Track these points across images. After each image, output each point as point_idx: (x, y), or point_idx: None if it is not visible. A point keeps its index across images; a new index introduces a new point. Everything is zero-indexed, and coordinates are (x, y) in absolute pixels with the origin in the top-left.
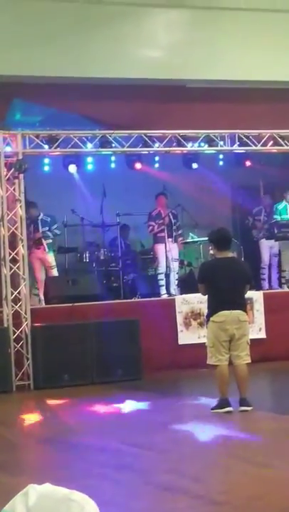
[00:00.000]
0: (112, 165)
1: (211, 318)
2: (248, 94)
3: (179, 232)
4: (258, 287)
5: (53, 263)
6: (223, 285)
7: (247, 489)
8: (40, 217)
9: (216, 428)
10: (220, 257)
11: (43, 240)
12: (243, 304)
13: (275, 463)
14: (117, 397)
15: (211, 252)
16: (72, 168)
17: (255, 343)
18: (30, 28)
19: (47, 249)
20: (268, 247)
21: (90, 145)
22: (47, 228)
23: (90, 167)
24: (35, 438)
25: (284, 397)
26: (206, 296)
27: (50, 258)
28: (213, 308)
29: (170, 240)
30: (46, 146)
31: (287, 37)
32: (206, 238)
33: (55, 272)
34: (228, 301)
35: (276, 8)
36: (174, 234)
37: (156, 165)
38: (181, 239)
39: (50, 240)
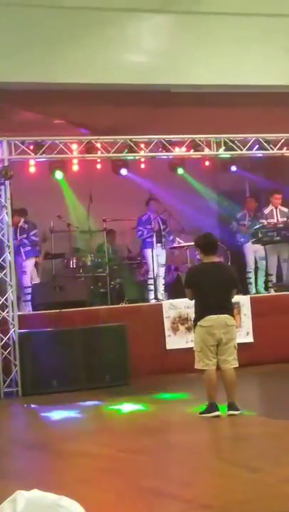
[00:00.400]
0: (98, 170)
1: (199, 323)
2: (233, 99)
3: (170, 238)
4: (245, 292)
5: (28, 269)
6: (210, 290)
7: (236, 493)
8: (19, 224)
9: (204, 432)
10: (207, 261)
11: (21, 248)
12: (230, 309)
13: (264, 467)
14: (105, 403)
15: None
16: (58, 175)
17: (242, 347)
18: (15, 34)
19: (24, 257)
20: (252, 252)
21: (75, 151)
22: (25, 236)
23: (75, 173)
24: (23, 444)
25: (272, 401)
26: (193, 300)
27: (29, 263)
28: (201, 312)
29: (159, 245)
30: (32, 153)
31: (273, 42)
32: (192, 243)
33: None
34: (216, 306)
35: (262, 13)
36: (164, 239)
37: (142, 169)
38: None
39: (29, 248)
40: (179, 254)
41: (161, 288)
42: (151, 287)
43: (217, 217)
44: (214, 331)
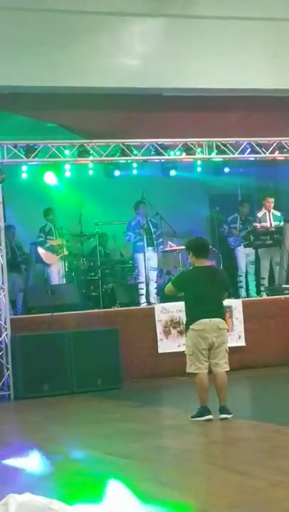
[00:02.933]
0: (90, 174)
1: (191, 326)
2: (225, 102)
3: (160, 240)
4: (236, 295)
5: None
6: (203, 293)
7: (226, 497)
8: None
9: (195, 436)
10: (198, 265)
11: None
12: (222, 312)
13: (254, 471)
14: (96, 406)
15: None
16: (49, 178)
17: (234, 350)
18: (6, 38)
19: None
20: (244, 255)
21: (68, 154)
22: None
23: (68, 176)
24: (14, 448)
25: (263, 404)
26: (184, 303)
27: None
28: (193, 316)
29: (150, 248)
30: (24, 156)
31: (263, 46)
32: (184, 247)
33: None
34: (208, 309)
35: (254, 17)
36: (155, 242)
37: (135, 173)
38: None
39: None
40: (171, 257)
41: (153, 292)
42: (142, 291)
43: (209, 220)
44: (206, 335)
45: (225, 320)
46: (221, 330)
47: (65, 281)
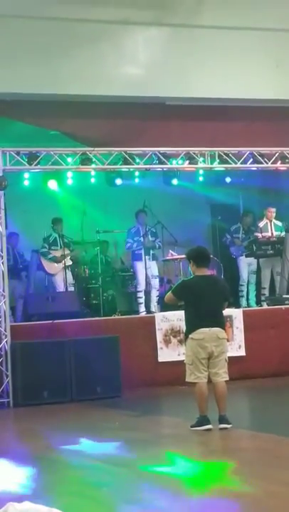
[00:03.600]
0: (93, 182)
1: (190, 336)
2: (227, 111)
3: (159, 249)
4: (237, 305)
5: None
6: (203, 302)
7: (226, 507)
8: None
9: (195, 445)
10: (199, 274)
11: None
12: (221, 322)
13: (253, 481)
14: (96, 415)
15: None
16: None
17: (234, 360)
18: (9, 46)
19: None
20: (246, 265)
21: (70, 162)
22: None
23: (70, 184)
24: (13, 456)
25: (263, 415)
26: (184, 312)
27: None
28: (192, 325)
29: (148, 257)
30: (26, 163)
31: (267, 55)
32: (184, 256)
33: None
34: (207, 319)
35: (256, 27)
36: (151, 252)
37: (136, 181)
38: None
39: None
40: (172, 266)
41: (154, 300)
42: (141, 300)
43: (210, 229)
44: (206, 344)
45: (225, 329)
46: (221, 339)
47: (73, 289)
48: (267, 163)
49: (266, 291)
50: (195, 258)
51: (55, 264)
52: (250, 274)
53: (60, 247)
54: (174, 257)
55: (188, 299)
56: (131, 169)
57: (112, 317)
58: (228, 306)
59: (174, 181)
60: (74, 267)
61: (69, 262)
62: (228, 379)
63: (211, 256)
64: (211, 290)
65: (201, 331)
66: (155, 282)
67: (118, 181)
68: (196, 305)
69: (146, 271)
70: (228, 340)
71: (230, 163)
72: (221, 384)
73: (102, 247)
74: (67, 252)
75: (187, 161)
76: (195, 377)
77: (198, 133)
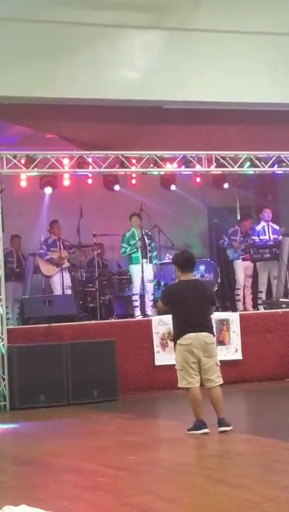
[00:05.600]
0: (89, 185)
1: (178, 341)
2: (224, 115)
3: (155, 253)
4: (234, 308)
5: None
6: (189, 307)
7: (223, 511)
8: None
9: (192, 449)
10: (184, 279)
11: None
12: (209, 326)
13: (250, 485)
14: (92, 418)
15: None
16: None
17: (231, 364)
18: (7, 49)
19: None
20: (243, 268)
21: (67, 165)
22: None
23: (67, 187)
24: (10, 459)
25: (260, 418)
26: (171, 317)
27: None
28: (180, 331)
29: (145, 260)
30: (23, 167)
31: (264, 59)
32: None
33: None
34: (194, 323)
35: (254, 31)
36: (149, 255)
37: (133, 184)
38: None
39: None
40: (168, 269)
41: (149, 304)
42: (136, 303)
43: (207, 233)
44: (193, 349)
45: (213, 333)
46: (208, 345)
47: (70, 292)
48: (264, 167)
49: (263, 295)
50: (179, 263)
51: (52, 265)
52: (246, 277)
53: (59, 250)
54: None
55: (174, 304)
56: (128, 173)
57: (109, 321)
58: (225, 310)
59: (172, 187)
60: (72, 269)
61: (67, 264)
62: (222, 382)
63: (208, 259)
64: (196, 294)
65: (188, 336)
66: (150, 286)
67: (116, 187)
68: (182, 310)
69: (143, 274)
70: (224, 344)
71: (227, 167)
72: (216, 389)
73: (97, 250)
74: (65, 254)
75: (184, 165)
76: (186, 383)
77: (195, 136)
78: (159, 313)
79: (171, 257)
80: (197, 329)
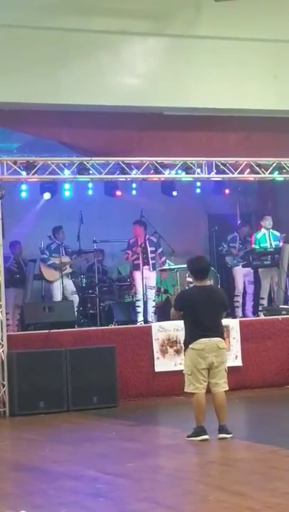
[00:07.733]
0: (90, 192)
1: (190, 346)
2: (225, 122)
3: (163, 259)
4: (233, 315)
5: None
6: (203, 313)
7: None
8: None
9: (192, 456)
10: (198, 285)
11: None
12: (221, 332)
13: (249, 492)
14: (92, 425)
15: (189, 279)
16: (46, 196)
17: (231, 370)
18: (7, 55)
19: None
20: (242, 275)
21: (67, 172)
22: None
23: (67, 194)
24: (9, 465)
25: (260, 425)
26: (184, 322)
27: None
28: (193, 335)
29: (146, 267)
30: (24, 173)
31: (265, 66)
32: (183, 266)
33: None
34: (208, 329)
35: (255, 38)
36: (152, 262)
37: (134, 192)
38: (162, 260)
39: None
40: (169, 276)
41: (150, 310)
42: (139, 309)
43: (207, 239)
44: (206, 355)
45: (224, 339)
46: (221, 349)
47: (77, 298)
48: (264, 174)
49: (265, 302)
50: (196, 271)
51: (54, 270)
52: (247, 284)
53: (61, 255)
54: (171, 267)
55: (188, 310)
56: (128, 179)
57: (109, 327)
58: (225, 316)
59: (174, 193)
60: (74, 275)
61: (69, 270)
62: (227, 389)
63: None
64: (210, 300)
65: (201, 341)
66: (151, 293)
67: (117, 194)
68: (195, 315)
69: (143, 281)
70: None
71: (227, 174)
72: (221, 394)
73: (97, 257)
74: (68, 259)
75: (184, 171)
76: (194, 388)
77: (196, 143)
78: (174, 319)
79: (171, 263)
80: (210, 334)
